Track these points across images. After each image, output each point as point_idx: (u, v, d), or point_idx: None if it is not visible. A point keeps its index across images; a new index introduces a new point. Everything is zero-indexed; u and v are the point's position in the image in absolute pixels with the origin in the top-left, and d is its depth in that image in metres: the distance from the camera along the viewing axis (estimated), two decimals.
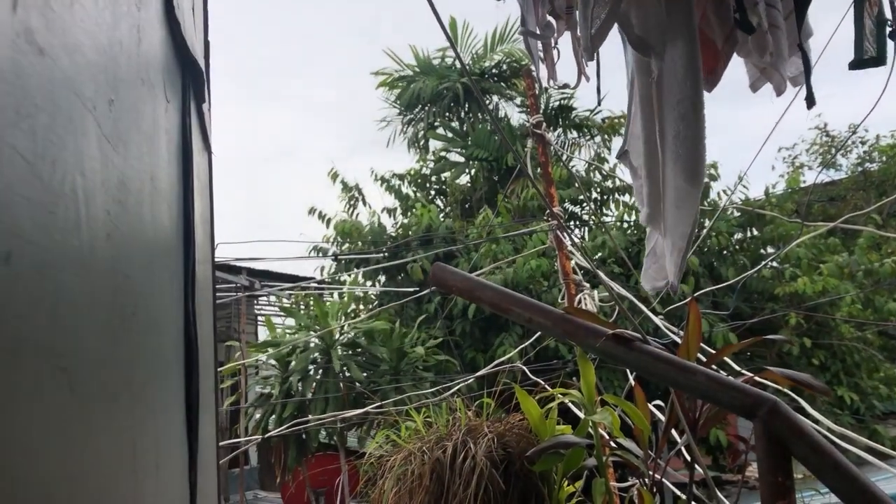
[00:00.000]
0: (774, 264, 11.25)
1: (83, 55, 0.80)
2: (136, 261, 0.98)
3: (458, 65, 14.55)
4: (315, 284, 11.76)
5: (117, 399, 0.86)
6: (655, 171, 2.30)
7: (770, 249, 11.60)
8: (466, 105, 14.65)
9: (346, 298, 10.66)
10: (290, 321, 10.59)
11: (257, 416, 9.01)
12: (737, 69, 2.56)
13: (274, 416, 8.45)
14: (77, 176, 0.75)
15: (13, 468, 0.57)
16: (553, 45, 2.38)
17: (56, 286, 0.68)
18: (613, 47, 2.46)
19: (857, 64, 2.15)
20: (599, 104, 2.95)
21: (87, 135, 0.80)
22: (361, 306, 12.07)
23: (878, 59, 2.16)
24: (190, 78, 1.50)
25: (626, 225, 12.17)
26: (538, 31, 2.28)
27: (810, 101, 2.20)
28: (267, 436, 7.94)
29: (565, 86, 2.48)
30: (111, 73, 0.91)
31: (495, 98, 15.03)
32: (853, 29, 2.11)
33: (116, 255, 0.88)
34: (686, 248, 2.26)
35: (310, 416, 7.68)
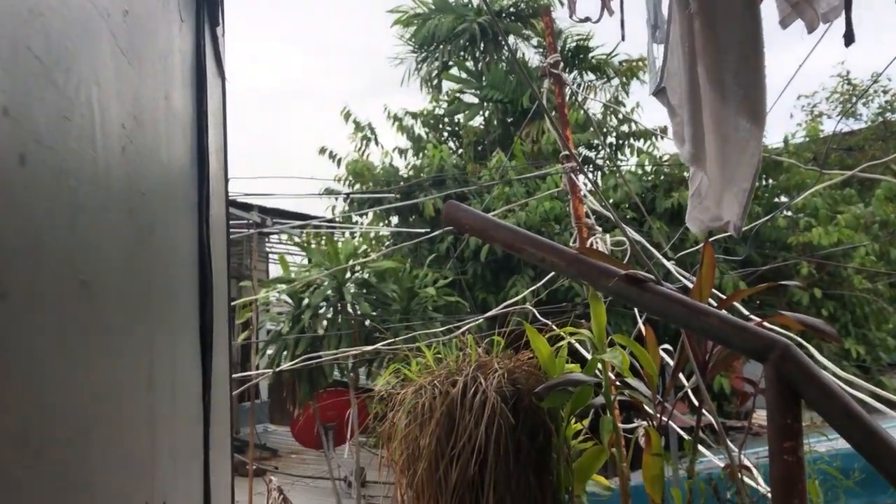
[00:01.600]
0: (789, 213, 11.15)
1: None
2: (151, 179, 0.97)
3: (474, 3, 14.24)
4: (327, 224, 11.76)
5: (136, 316, 0.86)
6: (698, 111, 2.25)
7: (785, 199, 11.47)
8: (482, 45, 14.39)
9: (358, 239, 10.68)
10: (302, 259, 10.65)
11: (269, 352, 9.13)
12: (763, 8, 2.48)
13: (286, 353, 8.57)
14: (92, 85, 0.73)
15: (35, 375, 0.57)
16: None
17: (74, 196, 0.67)
18: None
19: None
20: (623, 39, 2.89)
21: (102, 44, 0.78)
22: (374, 246, 12.09)
23: None
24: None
25: (640, 171, 12.04)
26: None
27: (849, 39, 2.13)
28: (279, 369, 8.06)
29: (586, 19, 2.42)
30: None
31: (512, 38, 14.73)
32: None
33: (132, 171, 0.86)
34: (751, 190, 2.23)
35: (321, 353, 7.78)
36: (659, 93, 2.54)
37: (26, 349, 0.55)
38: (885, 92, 16.58)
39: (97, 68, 0.75)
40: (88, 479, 0.67)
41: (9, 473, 0.50)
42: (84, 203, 0.70)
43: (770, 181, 11.81)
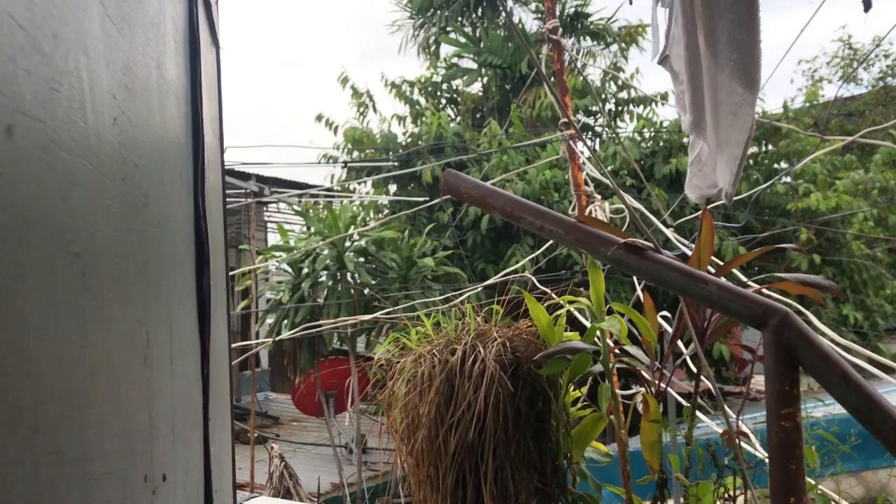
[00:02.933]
0: (788, 180, 11.12)
1: None
2: (144, 150, 0.95)
3: None
4: (325, 192, 11.73)
5: (130, 289, 0.85)
6: (699, 77, 2.21)
7: (784, 165, 11.43)
8: (479, 10, 14.22)
9: (357, 207, 10.65)
10: (300, 227, 10.62)
11: (270, 320, 9.16)
12: None
13: (286, 321, 8.60)
14: (80, 54, 0.71)
15: (26, 351, 0.56)
16: None
17: (65, 168, 0.66)
18: None
19: None
20: (631, 3, 2.81)
21: (90, 12, 0.76)
22: (372, 214, 12.06)
23: None
24: None
25: (639, 137, 11.99)
26: None
27: (867, 4, 2.10)
28: (280, 338, 8.10)
29: None
30: None
31: (510, 3, 14.56)
32: None
33: (124, 142, 0.85)
34: (742, 156, 2.20)
35: (322, 321, 7.80)
36: (663, 60, 2.51)
37: (17, 324, 0.54)
38: (886, 56, 16.45)
39: (85, 37, 0.74)
40: (85, 455, 0.67)
41: (2, 453, 0.50)
42: (75, 175, 0.69)
43: (769, 147, 11.76)
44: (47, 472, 0.58)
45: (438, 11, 14.48)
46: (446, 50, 14.70)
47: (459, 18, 14.42)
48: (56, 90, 0.65)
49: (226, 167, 2.73)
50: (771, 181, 9.90)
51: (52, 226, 0.62)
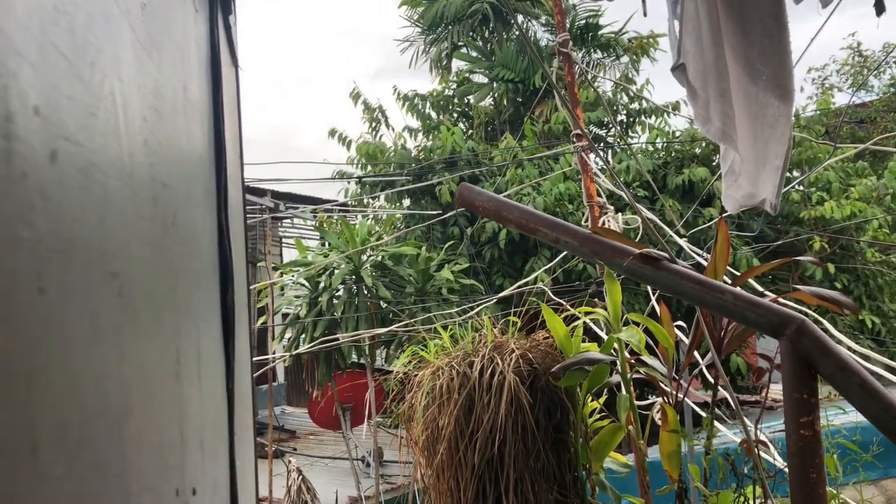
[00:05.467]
0: (801, 188, 11.07)
1: None
2: (172, 170, 0.98)
3: None
4: (339, 207, 11.78)
5: (162, 307, 0.88)
6: (728, 89, 2.23)
7: (797, 173, 11.39)
8: (491, 25, 14.29)
9: (371, 221, 10.70)
10: (314, 243, 10.67)
11: (287, 335, 9.19)
12: None
13: (304, 335, 8.63)
14: (115, 80, 0.74)
15: (72, 369, 0.58)
16: None
17: (102, 190, 0.68)
18: None
19: None
20: (645, 14, 2.83)
21: (123, 39, 0.79)
22: (387, 229, 12.11)
23: None
24: None
25: (651, 148, 11.98)
26: None
27: (880, 8, 2.11)
28: (297, 352, 8.12)
29: None
30: None
31: (520, 17, 14.62)
32: None
33: (154, 163, 0.88)
34: (784, 167, 2.22)
35: (339, 335, 7.83)
36: (677, 69, 2.52)
37: (64, 344, 0.56)
38: None
39: (119, 63, 0.77)
40: (123, 471, 0.69)
41: (51, 470, 0.52)
42: (111, 196, 0.72)
43: None
44: (92, 488, 0.60)
45: (450, 27, 14.56)
46: (458, 64, 14.78)
47: (471, 33, 14.50)
48: (94, 115, 0.68)
49: (244, 184, 2.76)
50: (786, 188, 9.86)
51: (91, 246, 0.65)
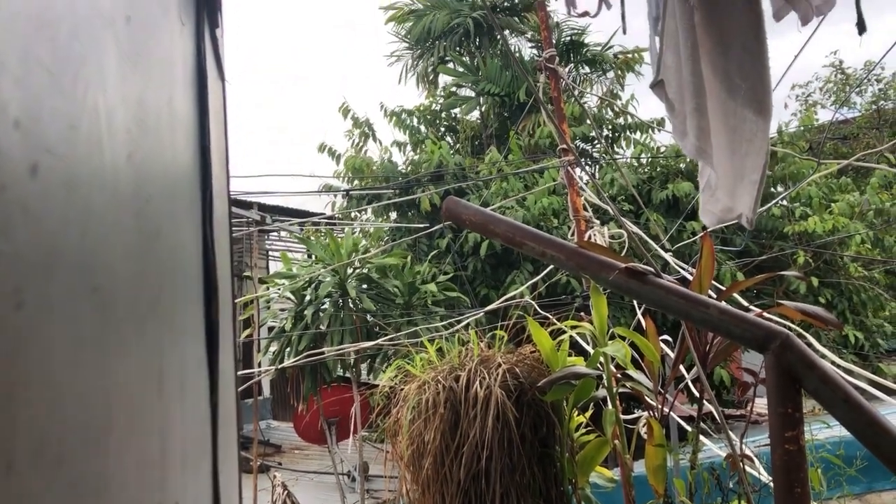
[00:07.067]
0: (785, 203, 11.17)
1: None
2: (156, 183, 0.97)
3: None
4: (326, 220, 11.77)
5: (145, 321, 0.87)
6: (704, 104, 2.24)
7: (780, 188, 11.50)
8: (477, 40, 14.38)
9: (359, 235, 10.69)
10: (301, 256, 10.64)
11: (273, 348, 9.15)
12: None
13: (290, 349, 8.59)
14: (98, 92, 0.73)
15: (52, 384, 0.57)
16: None
17: (84, 203, 0.67)
18: None
19: None
20: (625, 32, 2.86)
21: (107, 51, 0.78)
22: (373, 242, 12.10)
23: None
24: (204, 1, 1.47)
25: (636, 163, 12.06)
26: None
27: (861, 27, 2.14)
28: (283, 366, 8.08)
29: (585, 14, 2.42)
30: None
31: (507, 33, 14.72)
32: None
33: (138, 176, 0.87)
34: (761, 181, 2.23)
35: (325, 349, 7.80)
36: (656, 85, 2.54)
37: (44, 359, 0.56)
38: (878, 81, 16.64)
39: (103, 75, 0.76)
40: (103, 487, 0.68)
41: (28, 486, 0.51)
42: (94, 209, 0.71)
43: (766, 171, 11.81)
44: None
45: (436, 42, 14.63)
46: (445, 79, 14.85)
47: (457, 48, 14.58)
48: (76, 127, 0.67)
49: (230, 196, 2.75)
50: (769, 204, 9.95)
51: (73, 260, 0.64)
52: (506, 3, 14.65)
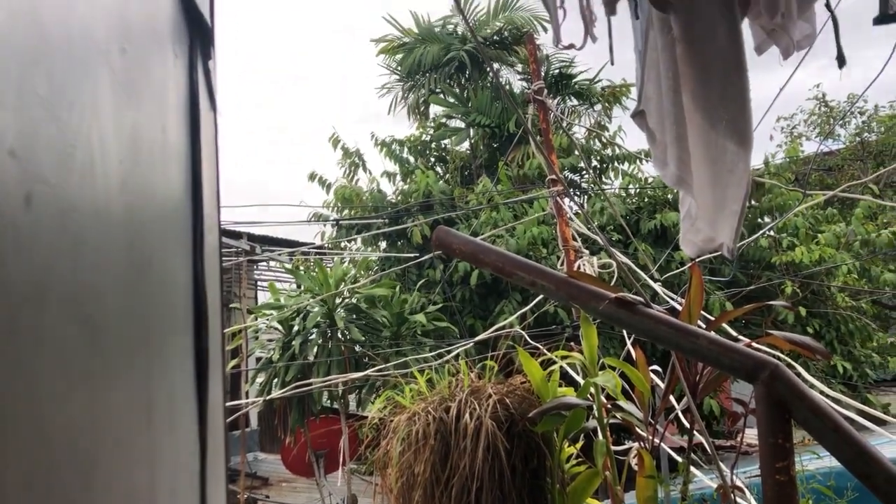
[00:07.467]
0: (772, 233, 11.26)
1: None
2: (148, 213, 0.97)
3: (459, 32, 14.40)
4: (315, 250, 11.76)
5: (135, 352, 0.86)
6: (684, 135, 2.27)
7: (767, 219, 11.60)
8: (467, 72, 14.53)
9: (347, 264, 10.67)
10: (290, 285, 10.60)
11: (260, 379, 9.07)
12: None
13: (277, 380, 8.52)
14: (92, 122, 0.74)
15: (41, 417, 0.57)
16: (559, 4, 2.35)
17: (77, 233, 0.67)
18: (618, 17, 2.42)
19: (881, 19, 2.12)
20: (612, 63, 2.91)
21: (102, 81, 0.79)
22: (362, 272, 12.08)
23: None
24: (197, 34, 1.48)
25: (624, 193, 12.15)
26: None
27: (841, 61, 2.18)
28: (270, 398, 8.00)
29: (570, 46, 2.46)
30: (123, 20, 0.90)
31: (496, 66, 14.89)
32: None
33: (130, 206, 0.87)
34: (742, 211, 2.25)
35: (312, 380, 7.73)
36: (638, 115, 2.57)
37: (33, 390, 0.55)
38: (861, 113, 16.91)
39: (97, 105, 0.77)
40: None
41: None
42: (86, 239, 0.71)
43: (752, 202, 11.93)
44: None
45: (427, 74, 14.77)
46: (435, 110, 14.97)
47: (448, 81, 14.72)
48: (71, 157, 0.67)
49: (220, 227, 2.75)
50: (756, 235, 10.02)
51: (64, 290, 0.64)
52: (495, 37, 14.84)
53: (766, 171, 12.12)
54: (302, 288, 9.43)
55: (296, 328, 8.79)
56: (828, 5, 2.17)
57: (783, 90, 3.56)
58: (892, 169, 9.66)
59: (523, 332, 5.90)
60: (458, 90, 14.66)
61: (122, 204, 0.84)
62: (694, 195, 2.36)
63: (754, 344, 2.55)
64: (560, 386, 2.68)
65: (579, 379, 3.44)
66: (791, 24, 2.23)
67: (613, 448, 3.55)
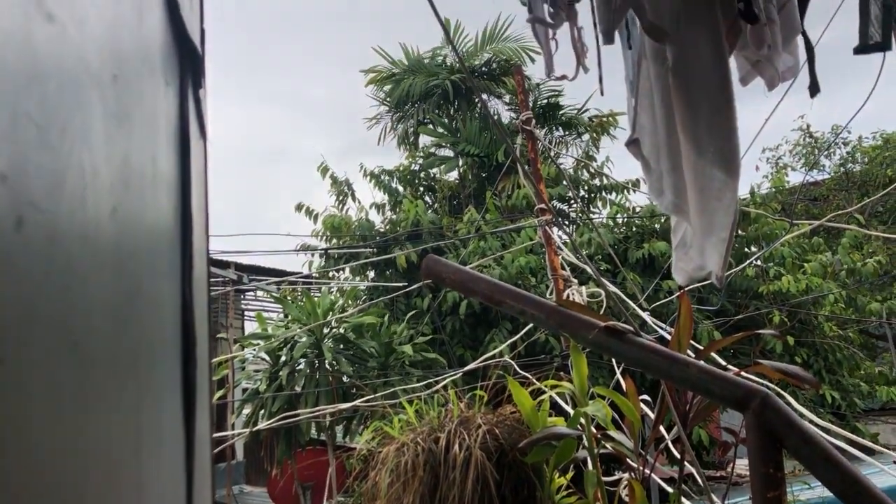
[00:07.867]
0: (759, 263, 11.33)
1: (89, 26, 0.79)
2: (138, 241, 0.97)
3: (448, 63, 14.53)
4: (303, 279, 11.71)
5: (123, 379, 0.85)
6: (679, 162, 2.29)
7: (754, 248, 11.68)
8: (456, 102, 14.63)
9: (335, 294, 10.63)
10: (278, 315, 10.54)
11: (246, 410, 8.97)
12: None
13: (263, 411, 8.42)
14: (84, 148, 0.74)
15: (29, 444, 0.56)
16: (552, 35, 2.38)
17: (67, 259, 0.67)
18: (605, 48, 2.45)
19: (861, 49, 2.16)
20: (602, 94, 2.95)
21: (93, 108, 0.79)
22: (351, 301, 12.04)
23: (884, 45, 2.17)
24: (188, 62, 1.49)
25: (612, 223, 12.22)
26: (547, 19, 2.27)
27: (814, 90, 2.21)
28: (256, 429, 7.91)
29: (563, 77, 2.49)
30: (116, 48, 0.90)
31: (484, 96, 15.01)
32: (858, 14, 2.12)
33: (120, 233, 0.87)
34: (730, 239, 2.26)
35: (300, 411, 7.66)
36: (632, 143, 2.59)
37: (21, 417, 0.54)
38: (845, 144, 17.16)
39: (88, 132, 0.77)
40: None
41: None
42: (75, 265, 0.70)
43: (739, 231, 12.02)
44: None
45: (416, 104, 14.87)
46: (424, 140, 15.04)
47: (436, 111, 14.81)
48: (62, 182, 0.67)
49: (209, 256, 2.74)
50: (743, 265, 10.08)
51: (53, 316, 0.63)
52: (483, 69, 14.98)
53: (752, 200, 12.23)
54: (289, 318, 9.38)
55: (283, 358, 8.72)
56: (804, 33, 2.22)
57: (768, 121, 3.60)
58: (877, 199, 9.76)
59: (512, 362, 5.88)
60: (446, 120, 14.75)
61: (111, 230, 0.83)
62: (690, 222, 2.38)
63: (743, 373, 2.55)
64: (550, 416, 2.67)
65: (569, 409, 3.42)
66: (776, 56, 2.27)
67: (604, 479, 3.52)
